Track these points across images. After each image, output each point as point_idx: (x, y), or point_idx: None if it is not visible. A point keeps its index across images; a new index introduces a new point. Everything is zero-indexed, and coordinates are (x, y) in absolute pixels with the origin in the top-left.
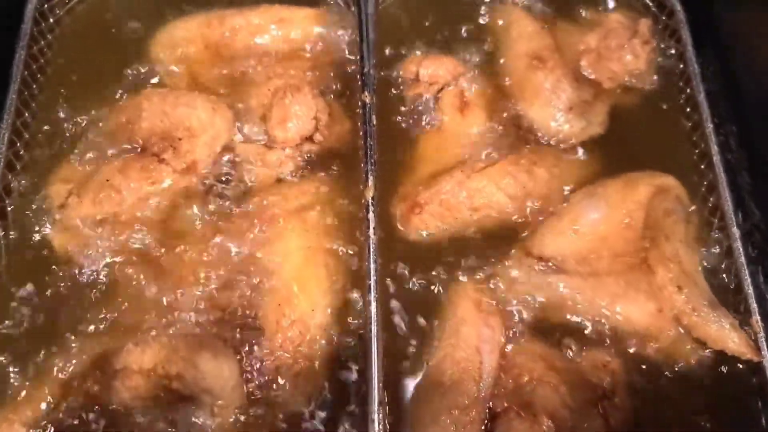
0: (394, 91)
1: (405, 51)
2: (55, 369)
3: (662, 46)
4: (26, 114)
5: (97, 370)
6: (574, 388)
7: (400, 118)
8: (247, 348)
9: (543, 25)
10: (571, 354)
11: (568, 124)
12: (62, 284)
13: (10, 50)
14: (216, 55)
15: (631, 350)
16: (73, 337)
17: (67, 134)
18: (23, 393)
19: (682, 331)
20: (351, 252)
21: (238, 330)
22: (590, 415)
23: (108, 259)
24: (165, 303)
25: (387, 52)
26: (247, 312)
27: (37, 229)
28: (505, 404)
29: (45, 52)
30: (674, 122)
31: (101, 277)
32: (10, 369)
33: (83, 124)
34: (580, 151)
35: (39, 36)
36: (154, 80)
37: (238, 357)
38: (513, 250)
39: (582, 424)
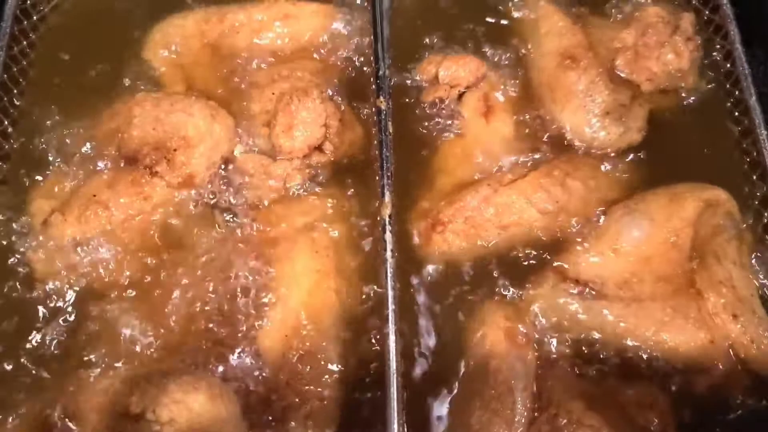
0: (412, 95)
1: (423, 50)
2: (33, 406)
3: (707, 43)
4: (6, 122)
5: (78, 410)
6: (617, 430)
7: (417, 124)
8: (248, 387)
9: (575, 21)
10: (612, 389)
11: (604, 130)
12: (41, 311)
13: None
14: (215, 55)
15: (681, 386)
16: (51, 373)
17: (51, 144)
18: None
19: (739, 365)
20: (366, 276)
21: (238, 366)
22: None
23: (91, 283)
24: (154, 335)
25: (403, 51)
26: (250, 345)
27: (16, 249)
28: None
29: (27, 53)
30: (721, 128)
31: (82, 302)
32: None
33: (68, 133)
34: (618, 161)
35: (20, 35)
36: (147, 83)
37: (239, 397)
38: (546, 273)
39: None
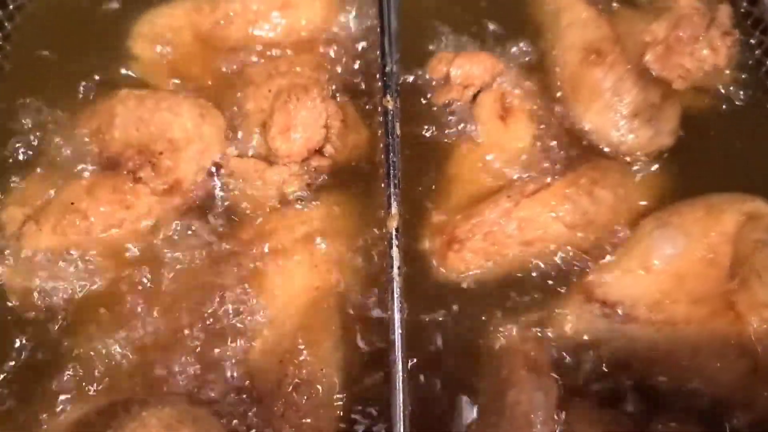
0: (421, 96)
1: (434, 46)
2: None
3: (745, 38)
4: None
5: None
6: None
7: (428, 128)
8: (239, 418)
9: (600, 11)
10: (641, 425)
11: (633, 133)
12: (11, 330)
13: None
14: (207, 48)
15: (718, 421)
16: (22, 400)
17: (27, 145)
18: None
19: None
20: (370, 296)
21: (228, 395)
22: None
23: (67, 300)
24: (134, 359)
25: (413, 46)
26: (240, 371)
27: None
28: None
29: (1, 45)
30: (762, 131)
31: (58, 323)
32: None
33: (45, 133)
34: (648, 167)
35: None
36: (132, 79)
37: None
38: (571, 294)
39: None
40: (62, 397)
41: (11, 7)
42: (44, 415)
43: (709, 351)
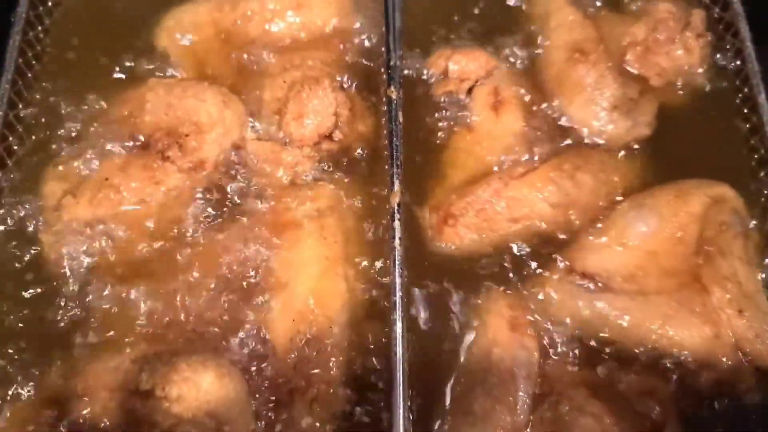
0: (422, 88)
1: (434, 43)
2: (43, 386)
3: (717, 41)
4: (20, 105)
5: (89, 389)
6: (619, 418)
7: (427, 117)
8: (255, 368)
9: (585, 15)
10: (614, 379)
11: (613, 123)
12: (52, 290)
13: (4, 36)
14: (227, 44)
15: (684, 379)
16: (62, 350)
17: (64, 128)
18: (7, 414)
19: (744, 361)
20: (374, 264)
21: (245, 348)
22: None
23: (102, 264)
24: (163, 316)
25: (414, 43)
26: (257, 328)
27: (29, 231)
28: None
29: (41, 38)
30: (729, 125)
31: (93, 283)
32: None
33: (81, 118)
34: (626, 155)
35: (35, 21)
36: (160, 70)
37: (246, 378)
38: (554, 265)
39: None
40: (99, 348)
41: (50, 3)
42: (83, 365)
43: (677, 318)
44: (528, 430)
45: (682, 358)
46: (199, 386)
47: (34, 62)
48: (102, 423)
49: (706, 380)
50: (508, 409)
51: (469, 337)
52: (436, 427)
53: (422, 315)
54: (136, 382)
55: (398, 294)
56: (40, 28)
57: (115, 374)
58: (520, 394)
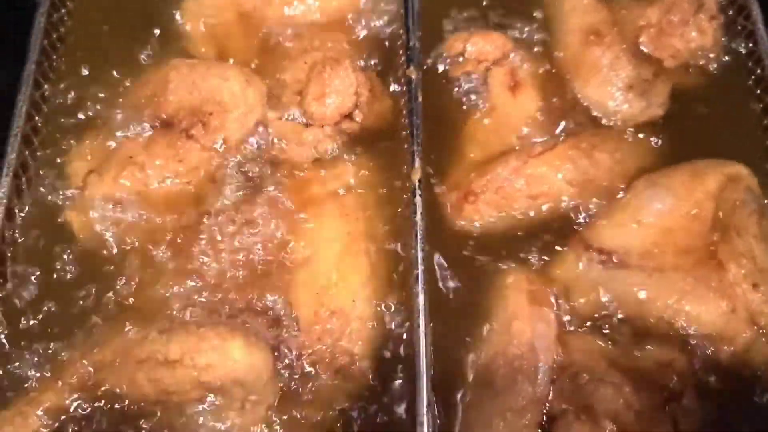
0: (440, 70)
1: (451, 25)
2: (71, 360)
3: (729, 23)
4: (45, 86)
5: (117, 360)
6: (638, 388)
7: (445, 99)
8: (280, 340)
9: None
10: (632, 350)
11: (627, 104)
12: (80, 267)
13: (29, 18)
14: (248, 26)
15: (701, 351)
16: (90, 325)
17: (88, 108)
18: (37, 385)
19: (760, 332)
20: (395, 239)
21: (270, 321)
22: (657, 418)
23: (128, 241)
24: (190, 290)
25: (432, 26)
26: (281, 301)
27: (54, 208)
28: (564, 406)
29: (65, 20)
30: (743, 105)
31: (120, 260)
32: (27, 357)
33: (105, 98)
34: (640, 135)
35: (59, 3)
36: (181, 51)
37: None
38: (572, 242)
39: (648, 429)
40: (126, 321)
41: None
42: (111, 337)
43: (693, 294)
44: (549, 400)
45: (699, 331)
46: (227, 354)
47: (58, 44)
48: (129, 394)
49: (722, 353)
50: (528, 381)
51: (490, 311)
52: (459, 398)
53: (443, 289)
54: (164, 352)
55: (420, 267)
56: (63, 10)
57: (142, 345)
58: (541, 365)
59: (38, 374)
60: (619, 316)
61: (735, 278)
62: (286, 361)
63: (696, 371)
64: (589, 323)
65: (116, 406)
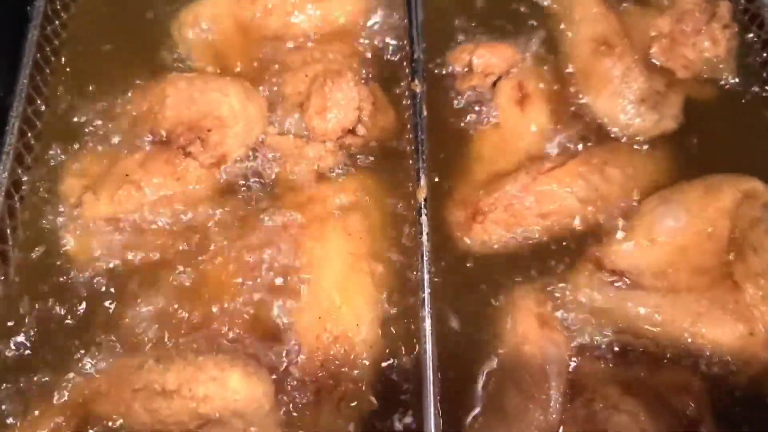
0: (445, 83)
1: (456, 37)
2: (66, 387)
3: (743, 32)
4: (38, 101)
5: (113, 390)
6: (654, 415)
7: (451, 113)
8: (282, 367)
9: (609, 7)
10: (646, 375)
11: (640, 117)
12: (73, 290)
13: (22, 31)
14: (247, 37)
15: (718, 376)
16: (86, 352)
17: (82, 124)
18: (29, 417)
19: None
20: (400, 259)
21: (271, 347)
22: None
23: (125, 263)
24: (187, 315)
25: (437, 38)
26: (282, 326)
27: (48, 228)
28: None
29: (59, 32)
30: (757, 117)
31: (117, 282)
32: (22, 385)
33: (100, 113)
34: (653, 149)
35: (53, 15)
36: (179, 64)
37: (273, 377)
38: (583, 262)
39: None
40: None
41: None
42: (107, 365)
43: (709, 316)
44: (561, 427)
45: (716, 355)
46: (226, 385)
47: (52, 58)
48: (126, 424)
49: (741, 377)
50: (540, 407)
51: (499, 334)
52: (467, 424)
53: (451, 312)
54: (162, 382)
55: (426, 290)
56: (57, 22)
57: (138, 373)
58: (552, 391)
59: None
60: (633, 338)
61: (752, 300)
62: (288, 388)
63: (713, 396)
64: (601, 345)
65: None
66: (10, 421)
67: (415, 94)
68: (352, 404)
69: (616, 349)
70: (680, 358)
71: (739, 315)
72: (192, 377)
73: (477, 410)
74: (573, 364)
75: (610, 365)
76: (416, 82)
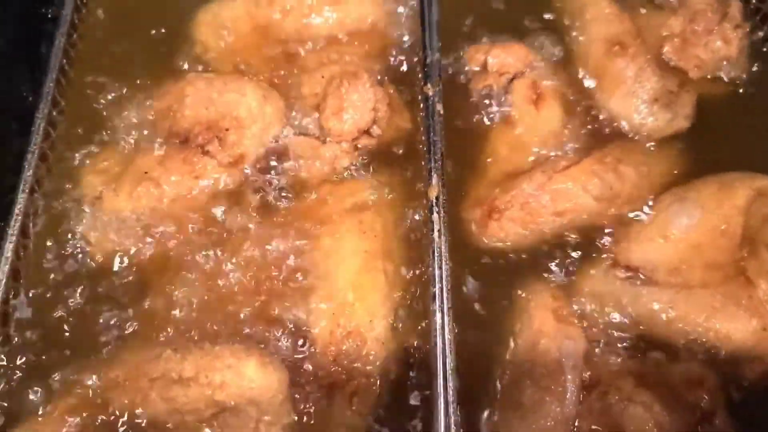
0: (460, 83)
1: (471, 38)
2: (85, 377)
3: (754, 32)
4: (62, 103)
5: (130, 379)
6: (668, 407)
7: (466, 112)
8: (296, 361)
9: (622, 7)
10: (661, 369)
11: (653, 116)
12: (94, 285)
13: (48, 35)
14: (264, 39)
15: (732, 370)
16: (105, 342)
17: (103, 122)
18: (50, 406)
19: None
20: (413, 257)
21: (286, 341)
22: None
23: (144, 259)
24: (205, 307)
25: (451, 38)
26: (297, 321)
27: (70, 224)
28: (593, 426)
29: (84, 36)
30: None
31: (136, 277)
32: (42, 376)
33: (120, 111)
34: (666, 148)
35: (79, 23)
36: (197, 64)
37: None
38: (598, 258)
39: None
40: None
41: (91, 3)
42: (126, 355)
43: (723, 311)
44: (577, 420)
45: (730, 350)
46: (242, 373)
47: (76, 62)
48: (143, 413)
49: (755, 372)
50: (557, 400)
51: (515, 329)
52: (485, 418)
53: (466, 307)
54: (179, 370)
55: (438, 285)
56: (82, 27)
57: (156, 362)
58: (569, 384)
59: (48, 393)
60: (647, 333)
61: (765, 295)
62: (302, 381)
63: (727, 390)
64: (616, 340)
65: (128, 425)
66: (31, 410)
67: (427, 96)
68: (365, 399)
69: (631, 343)
70: (694, 353)
71: (752, 310)
72: (209, 365)
73: (492, 404)
74: (587, 358)
75: (625, 359)
76: (429, 85)
